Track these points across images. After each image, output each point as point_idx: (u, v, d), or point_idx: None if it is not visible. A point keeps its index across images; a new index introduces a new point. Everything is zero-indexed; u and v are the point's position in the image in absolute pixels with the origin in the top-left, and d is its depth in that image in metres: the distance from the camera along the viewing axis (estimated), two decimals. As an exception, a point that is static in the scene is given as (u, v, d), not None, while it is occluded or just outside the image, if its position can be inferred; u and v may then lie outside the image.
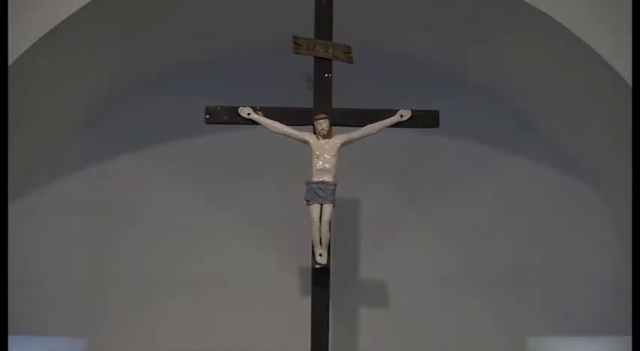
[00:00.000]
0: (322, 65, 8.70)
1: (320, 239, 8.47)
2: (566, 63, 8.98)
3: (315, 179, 8.47)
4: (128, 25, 9.02)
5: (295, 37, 8.62)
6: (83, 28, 8.59)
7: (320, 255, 8.47)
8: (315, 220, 8.46)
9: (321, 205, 8.46)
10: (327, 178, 8.47)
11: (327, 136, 8.54)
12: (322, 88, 8.69)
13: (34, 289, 9.76)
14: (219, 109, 8.66)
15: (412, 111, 8.63)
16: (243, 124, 8.68)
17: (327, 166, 8.47)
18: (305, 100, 8.72)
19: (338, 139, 8.56)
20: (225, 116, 8.68)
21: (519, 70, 9.62)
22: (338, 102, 8.64)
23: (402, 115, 8.64)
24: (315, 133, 8.58)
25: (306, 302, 8.67)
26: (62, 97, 9.46)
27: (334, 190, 8.46)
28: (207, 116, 8.66)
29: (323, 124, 8.52)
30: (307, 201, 8.50)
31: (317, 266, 8.52)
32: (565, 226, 10.15)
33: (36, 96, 9.03)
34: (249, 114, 8.60)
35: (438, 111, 8.67)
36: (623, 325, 9.66)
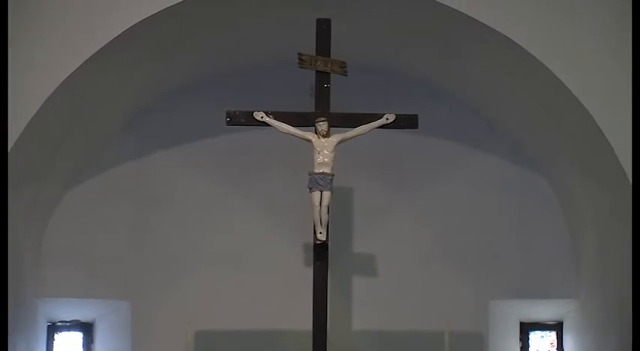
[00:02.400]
0: (322, 77, 8.86)
1: (320, 220, 8.65)
2: (519, 74, 8.98)
3: (316, 171, 8.66)
4: (161, 46, 9.07)
5: (300, 54, 8.76)
6: (126, 47, 8.65)
7: (320, 233, 8.66)
8: (316, 204, 8.65)
9: (321, 192, 8.65)
10: (326, 170, 8.66)
11: (326, 135, 8.73)
12: (322, 96, 8.88)
13: (87, 259, 9.85)
14: (237, 113, 8.82)
15: (396, 115, 8.81)
16: (256, 125, 8.86)
17: (326, 160, 8.65)
18: (308, 105, 8.89)
19: (335, 138, 8.74)
20: (243, 119, 8.85)
21: (483, 82, 9.64)
22: (335, 107, 8.83)
23: (387, 118, 8.83)
24: (316, 133, 8.75)
25: (309, 272, 8.84)
26: (109, 105, 9.51)
27: (332, 179, 8.65)
28: (228, 119, 8.82)
29: (323, 125, 8.73)
30: (310, 189, 8.67)
31: (318, 242, 8.70)
32: (520, 209, 10.21)
33: (88, 104, 9.09)
34: (262, 117, 8.79)
35: (417, 115, 8.83)
36: (570, 289, 10.05)
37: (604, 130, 8.49)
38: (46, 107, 8.35)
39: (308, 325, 8.73)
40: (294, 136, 8.84)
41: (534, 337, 10.40)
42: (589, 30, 8.61)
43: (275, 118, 8.86)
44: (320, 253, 8.82)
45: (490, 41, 8.76)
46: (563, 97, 8.66)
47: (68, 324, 10.09)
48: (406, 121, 8.94)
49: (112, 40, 8.45)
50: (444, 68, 9.80)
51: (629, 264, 8.48)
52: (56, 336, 10.07)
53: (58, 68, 8.37)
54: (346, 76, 8.89)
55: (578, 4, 8.59)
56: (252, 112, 8.84)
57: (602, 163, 8.75)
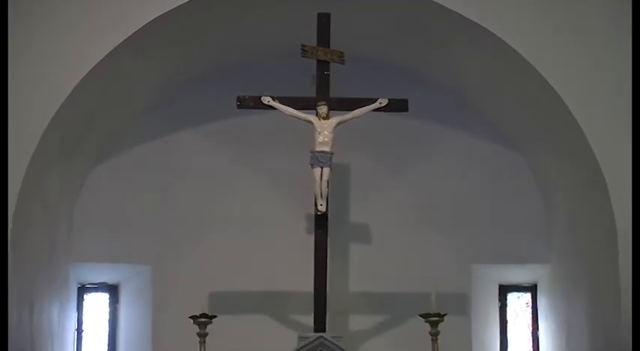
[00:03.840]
0: (322, 66, 8.99)
1: (320, 193, 8.81)
2: (496, 61, 9.01)
3: (317, 149, 8.81)
4: (182, 38, 9.11)
5: (303, 45, 8.91)
6: (151, 37, 8.69)
7: (321, 205, 8.83)
8: (317, 179, 8.80)
9: (322, 168, 8.80)
10: (326, 148, 8.81)
11: (326, 117, 8.87)
12: (322, 82, 9.01)
13: (114, 228, 9.90)
14: (247, 97, 8.95)
15: (388, 99, 8.98)
16: (264, 108, 9.01)
17: (326, 139, 8.81)
18: (310, 91, 9.02)
19: (334, 120, 8.89)
20: (252, 103, 8.98)
21: (464, 70, 9.66)
22: (334, 92, 8.96)
23: (380, 103, 8.99)
24: (317, 115, 8.88)
25: (310, 239, 9.00)
26: (134, 90, 9.53)
27: (331, 157, 8.81)
28: (238, 103, 8.94)
29: (323, 108, 8.88)
30: (311, 165, 8.81)
31: (318, 213, 8.88)
32: (498, 183, 10.24)
33: (115, 88, 9.10)
34: (268, 101, 8.94)
35: (407, 99, 9.00)
36: (543, 255, 10.07)
37: (572, 110, 8.55)
38: (78, 90, 8.40)
39: (309, 286, 8.90)
40: (297, 118, 8.98)
41: (511, 297, 10.43)
42: (558, 15, 8.68)
43: (280, 102, 8.99)
44: (320, 222, 8.96)
45: (470, 33, 8.82)
46: (535, 80, 8.69)
47: (96, 286, 10.13)
48: (397, 105, 9.09)
49: (137, 30, 8.50)
50: (430, 58, 9.80)
51: (597, 232, 8.69)
52: (85, 297, 10.11)
53: (88, 55, 8.42)
54: (344, 64, 9.00)
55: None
56: (260, 96, 8.97)
57: (571, 139, 8.78)
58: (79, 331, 10.06)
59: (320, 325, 8.79)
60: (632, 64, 8.36)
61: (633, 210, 8.19)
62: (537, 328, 10.34)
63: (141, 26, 8.52)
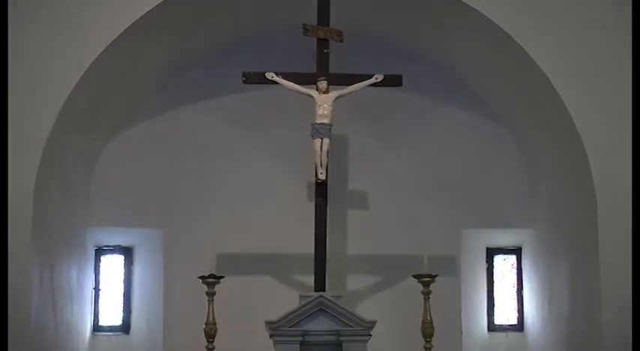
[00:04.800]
0: (322, 44, 9.01)
1: (320, 162, 8.87)
2: (488, 44, 9.02)
3: (317, 121, 8.85)
4: (189, 18, 9.09)
5: (304, 25, 8.91)
6: (160, 17, 8.65)
7: (321, 173, 8.88)
8: (317, 149, 8.86)
9: (322, 139, 8.86)
10: (326, 120, 8.85)
11: (326, 92, 8.89)
12: (322, 59, 9.03)
13: (127, 195, 9.89)
14: (252, 73, 8.96)
15: (384, 75, 9.01)
16: (268, 84, 9.02)
17: (325, 112, 8.84)
18: (311, 67, 9.03)
19: (333, 94, 8.90)
20: (256, 78, 8.99)
21: (457, 50, 9.64)
22: (333, 68, 8.99)
23: (377, 78, 9.03)
24: (317, 90, 8.90)
25: (311, 205, 9.09)
26: (146, 67, 9.53)
27: (330, 129, 8.85)
28: (244, 79, 8.97)
29: (323, 83, 8.90)
30: (312, 136, 8.88)
31: (318, 181, 8.94)
32: (487, 156, 10.24)
33: (128, 67, 9.09)
34: (272, 77, 8.95)
35: (401, 75, 9.04)
36: (527, 221, 10.11)
37: (555, 86, 8.58)
38: (92, 69, 8.40)
39: (310, 249, 8.98)
40: (299, 92, 8.99)
41: (498, 259, 10.47)
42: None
43: (283, 78, 9.00)
44: (320, 189, 9.02)
45: (462, 14, 8.81)
46: (523, 59, 8.70)
47: (112, 248, 10.16)
48: (392, 80, 9.14)
49: (148, 11, 8.50)
50: (424, 37, 9.79)
51: (578, 199, 8.74)
52: (102, 258, 10.15)
53: (101, 36, 8.41)
54: (342, 42, 9.01)
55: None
56: (264, 72, 8.98)
57: (554, 114, 8.81)
58: (97, 289, 10.13)
59: (320, 285, 8.86)
60: (629, 48, 8.41)
61: (614, 179, 8.35)
62: (522, 288, 10.39)
63: (151, 8, 8.52)
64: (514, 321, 10.38)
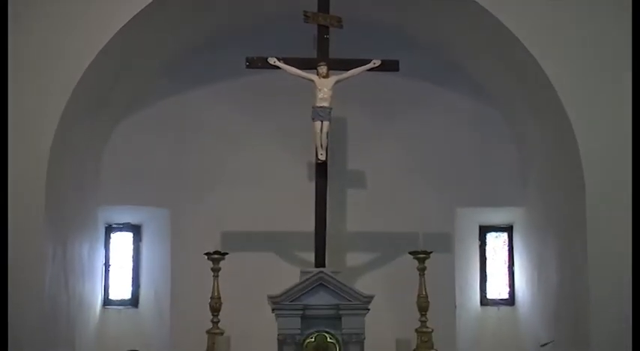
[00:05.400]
0: (323, 30, 9.07)
1: (321, 144, 8.93)
2: (478, 26, 8.98)
3: (317, 105, 8.92)
4: (194, 6, 9.08)
5: (305, 11, 8.98)
6: (166, 6, 8.62)
7: (321, 154, 8.96)
8: (318, 131, 8.93)
9: (322, 121, 8.92)
10: (326, 104, 8.92)
11: (326, 76, 8.94)
12: (322, 44, 9.09)
13: (136, 175, 9.87)
14: (255, 58, 9.01)
15: (381, 60, 9.07)
16: (270, 68, 9.05)
17: (325, 96, 8.92)
18: (311, 52, 9.10)
19: (333, 79, 8.95)
20: (259, 63, 9.03)
21: (453, 36, 9.63)
22: (333, 54, 9.06)
23: (374, 63, 9.11)
24: (317, 74, 8.96)
25: (312, 185, 9.14)
26: (152, 53, 9.49)
27: (330, 111, 8.91)
28: (247, 63, 9.05)
29: (323, 68, 8.96)
30: (313, 119, 8.93)
31: (319, 161, 9.01)
32: (480, 137, 10.25)
33: (135, 53, 9.06)
34: (274, 62, 9.03)
35: (398, 60, 9.10)
36: (518, 200, 10.14)
37: (545, 70, 8.58)
38: (102, 54, 8.41)
39: (311, 227, 9.06)
40: (300, 76, 9.04)
41: (490, 237, 10.55)
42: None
43: (285, 63, 9.08)
44: (320, 170, 9.09)
45: (460, 4, 8.82)
46: (513, 44, 8.72)
47: (121, 226, 10.22)
48: (389, 65, 9.19)
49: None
50: (420, 23, 9.80)
51: (567, 179, 8.77)
52: (112, 236, 10.21)
53: (111, 21, 8.40)
54: (342, 28, 9.04)
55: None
56: (267, 57, 9.03)
57: (544, 97, 8.83)
58: (107, 265, 10.20)
59: (320, 261, 8.92)
60: (619, 28, 8.44)
61: (601, 160, 8.39)
62: (513, 264, 10.45)
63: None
64: (505, 295, 10.44)
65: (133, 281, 10.20)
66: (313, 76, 9.04)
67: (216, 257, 8.96)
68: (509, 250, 10.48)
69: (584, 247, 8.41)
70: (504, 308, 10.37)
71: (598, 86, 8.56)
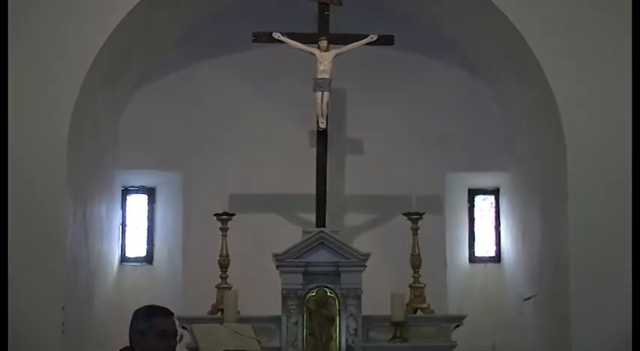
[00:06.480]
0: (323, 7, 9.13)
1: (321, 113, 9.00)
2: (467, 4, 8.96)
3: (318, 76, 8.98)
4: None
5: None
6: None
7: (322, 123, 9.03)
8: (319, 101, 8.99)
9: (322, 92, 8.99)
10: (326, 75, 8.98)
11: (326, 50, 9.00)
12: (323, 20, 9.16)
13: (151, 141, 9.90)
14: (260, 33, 9.11)
15: (378, 35, 9.13)
16: (275, 42, 9.10)
17: (326, 68, 8.99)
18: (312, 28, 9.18)
19: (333, 52, 9.00)
20: (264, 38, 9.12)
21: (444, 9, 9.54)
22: (332, 29, 9.14)
23: (371, 38, 9.16)
24: (318, 48, 9.01)
25: (313, 151, 9.28)
26: (163, 28, 9.44)
27: (330, 83, 9.00)
28: (253, 38, 9.12)
29: (323, 42, 9.02)
30: (314, 90, 9.00)
31: (319, 129, 9.07)
32: (469, 107, 10.18)
33: (148, 27, 9.02)
34: (278, 36, 9.09)
35: (393, 35, 9.17)
36: (505, 165, 10.11)
37: (529, 43, 8.54)
38: (119, 28, 8.38)
39: (312, 190, 9.14)
40: (302, 50, 9.08)
41: (478, 199, 10.49)
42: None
43: (288, 38, 9.11)
44: (321, 137, 9.15)
45: None
46: (500, 20, 8.65)
47: (137, 189, 10.20)
48: (385, 40, 9.24)
49: None
50: (416, 2, 9.77)
51: (550, 145, 8.78)
52: (128, 198, 10.22)
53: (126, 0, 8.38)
54: (341, 5, 9.09)
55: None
56: (271, 32, 9.07)
57: (528, 68, 8.79)
58: (123, 225, 10.21)
59: (321, 221, 8.99)
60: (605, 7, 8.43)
61: (582, 129, 8.42)
62: (499, 225, 10.45)
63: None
64: (492, 253, 10.45)
65: (147, 240, 10.22)
66: (314, 50, 9.06)
67: (224, 218, 9.04)
68: (495, 211, 10.49)
69: (565, 208, 8.44)
70: (491, 265, 10.41)
71: (582, 62, 8.53)
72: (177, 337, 4.53)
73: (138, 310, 4.56)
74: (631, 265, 7.65)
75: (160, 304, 4.62)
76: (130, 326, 4.51)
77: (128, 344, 4.55)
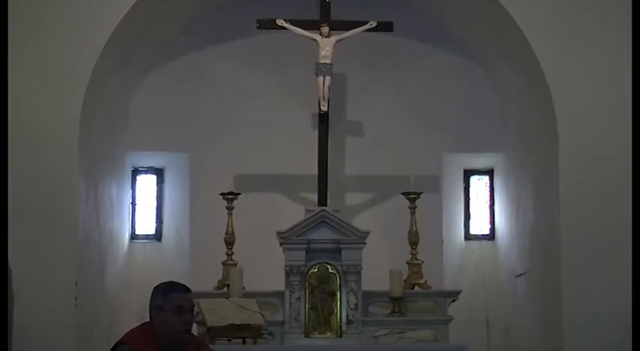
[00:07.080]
0: None
1: (323, 96, 8.99)
2: None
3: (320, 61, 8.96)
4: None
5: None
6: None
7: (323, 105, 9.01)
8: (320, 85, 8.97)
9: (324, 76, 8.97)
10: (328, 61, 8.95)
11: (328, 36, 8.97)
12: (325, 7, 9.13)
13: (159, 123, 9.84)
14: (264, 20, 9.05)
15: (377, 22, 9.11)
16: (278, 29, 9.07)
17: (327, 54, 8.96)
18: (315, 15, 9.15)
19: (334, 38, 8.98)
20: (268, 24, 9.07)
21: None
22: (334, 16, 9.11)
23: (371, 24, 9.09)
24: (320, 34, 8.99)
25: (315, 133, 9.28)
26: (172, 15, 9.42)
27: (331, 67, 8.97)
28: (258, 24, 9.09)
29: (325, 29, 9.00)
30: (316, 74, 8.98)
31: (321, 112, 9.06)
32: (464, 88, 10.12)
33: (158, 13, 8.99)
34: (282, 23, 9.05)
35: (392, 22, 9.14)
36: (499, 146, 10.08)
37: (522, 28, 8.51)
38: (129, 15, 8.36)
39: (314, 170, 9.15)
40: (305, 36, 9.05)
41: (473, 179, 10.49)
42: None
43: (291, 24, 9.07)
44: (323, 119, 9.15)
45: None
46: (498, 10, 8.63)
47: (146, 169, 10.19)
48: (385, 26, 9.19)
49: None
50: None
51: (542, 127, 8.78)
52: (138, 178, 10.22)
53: None
54: (341, -7, 9.08)
55: None
56: (275, 19, 9.04)
57: (524, 58, 8.80)
58: (133, 204, 10.22)
59: (322, 200, 9.01)
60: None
61: (574, 112, 8.43)
62: (493, 204, 10.45)
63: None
64: (487, 231, 10.47)
65: (156, 218, 10.24)
66: (316, 36, 9.04)
67: (230, 197, 9.04)
68: (490, 191, 10.50)
69: (557, 189, 8.47)
70: (485, 242, 10.43)
71: (574, 46, 8.53)
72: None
73: (157, 286, 4.56)
74: (618, 242, 7.94)
75: (168, 280, 4.63)
76: (150, 301, 4.51)
77: (140, 316, 4.59)
